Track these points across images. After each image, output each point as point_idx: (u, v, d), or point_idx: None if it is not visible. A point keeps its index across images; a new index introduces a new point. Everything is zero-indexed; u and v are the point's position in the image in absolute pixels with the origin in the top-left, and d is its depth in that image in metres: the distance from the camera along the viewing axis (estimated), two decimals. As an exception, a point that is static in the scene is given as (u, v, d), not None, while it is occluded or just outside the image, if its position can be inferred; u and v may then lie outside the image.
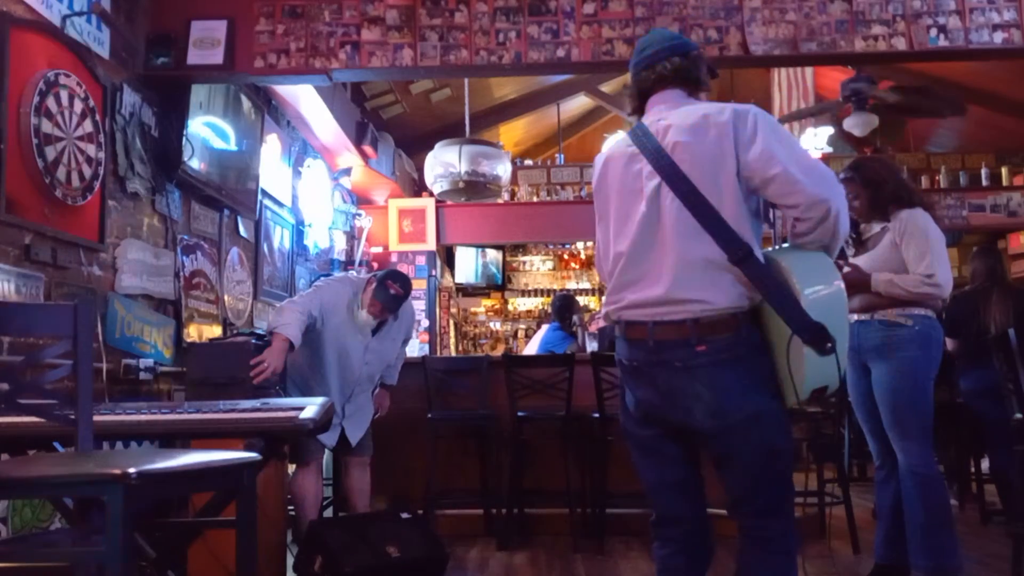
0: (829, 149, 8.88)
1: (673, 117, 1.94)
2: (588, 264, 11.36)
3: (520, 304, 11.47)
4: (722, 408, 1.84)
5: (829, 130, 8.74)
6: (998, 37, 3.75)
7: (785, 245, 1.97)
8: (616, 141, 2.10)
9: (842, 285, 1.88)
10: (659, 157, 1.90)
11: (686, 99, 2.03)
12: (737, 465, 1.89)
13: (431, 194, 6.84)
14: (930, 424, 2.95)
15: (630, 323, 1.93)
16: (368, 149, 6.72)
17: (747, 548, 1.92)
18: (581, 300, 8.94)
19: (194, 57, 3.84)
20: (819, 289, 1.82)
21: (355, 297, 3.69)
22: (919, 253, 2.90)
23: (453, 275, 10.26)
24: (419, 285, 8.02)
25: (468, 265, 10.59)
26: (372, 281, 3.67)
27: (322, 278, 4.47)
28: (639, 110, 2.10)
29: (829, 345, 1.75)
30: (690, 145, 1.87)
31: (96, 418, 2.05)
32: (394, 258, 8.22)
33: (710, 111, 1.91)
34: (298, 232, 6.20)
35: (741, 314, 1.84)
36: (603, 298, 2.10)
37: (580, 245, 11.33)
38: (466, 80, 6.76)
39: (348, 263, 7.31)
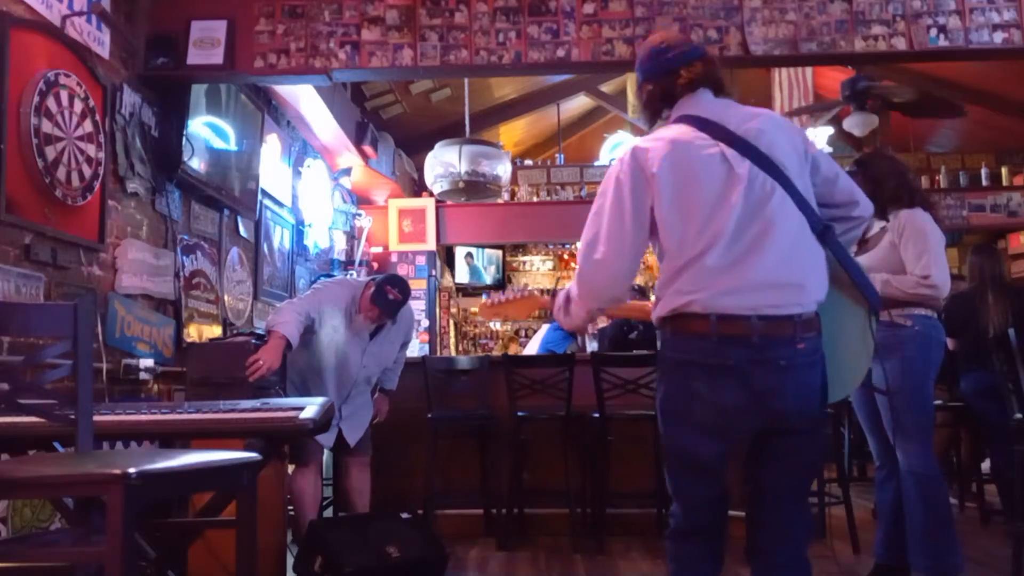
0: (829, 149, 8.88)
1: (733, 112, 1.92)
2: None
3: (520, 304, 11.44)
4: (813, 407, 1.86)
5: (829, 130, 8.75)
6: (998, 37, 3.75)
7: None
8: (669, 129, 1.96)
9: None
10: (739, 141, 1.86)
11: (722, 100, 2.00)
12: (797, 462, 1.90)
13: (431, 194, 6.85)
14: (930, 424, 2.95)
15: (725, 317, 1.80)
16: (368, 149, 6.72)
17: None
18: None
19: (194, 57, 3.84)
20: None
21: (353, 300, 3.68)
22: (916, 254, 2.89)
23: (453, 275, 10.25)
24: (419, 285, 8.01)
25: (460, 267, 10.60)
26: (370, 285, 3.64)
27: (321, 280, 4.46)
28: (658, 115, 2.04)
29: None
30: (768, 133, 1.87)
31: (96, 418, 2.04)
32: (394, 258, 8.22)
33: (766, 110, 1.98)
34: (298, 232, 6.21)
35: (819, 313, 1.88)
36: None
37: (580, 245, 11.31)
38: (466, 80, 6.76)
39: (348, 263, 7.31)
